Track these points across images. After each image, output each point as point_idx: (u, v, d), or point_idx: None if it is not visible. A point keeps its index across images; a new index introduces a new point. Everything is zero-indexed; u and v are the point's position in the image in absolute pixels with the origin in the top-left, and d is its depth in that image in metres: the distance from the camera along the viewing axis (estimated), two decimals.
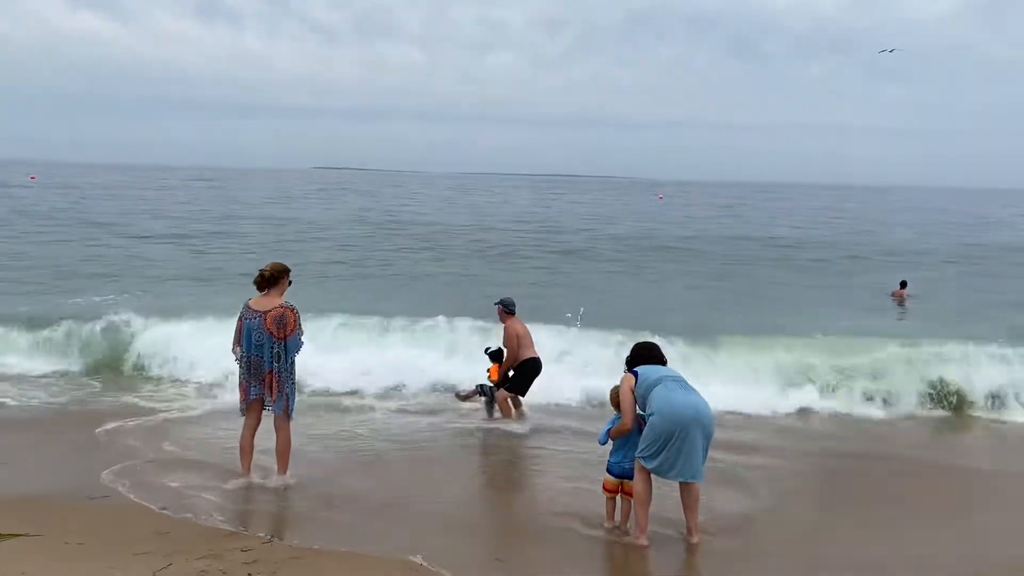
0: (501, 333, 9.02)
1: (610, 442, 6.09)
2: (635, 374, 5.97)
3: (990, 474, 8.01)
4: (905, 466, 8.12)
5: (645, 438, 5.76)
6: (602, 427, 6.25)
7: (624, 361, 6.28)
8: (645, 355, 6.15)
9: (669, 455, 5.64)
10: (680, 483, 5.86)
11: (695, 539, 5.91)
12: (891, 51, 43.21)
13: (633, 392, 5.88)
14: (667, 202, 72.26)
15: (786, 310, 16.36)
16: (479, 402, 9.12)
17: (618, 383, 6.11)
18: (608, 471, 6.15)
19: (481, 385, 9.14)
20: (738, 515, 6.49)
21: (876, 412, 10.01)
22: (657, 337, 8.32)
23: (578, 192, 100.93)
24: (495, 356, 9.01)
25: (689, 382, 5.93)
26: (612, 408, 6.26)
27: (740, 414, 9.47)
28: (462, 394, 9.36)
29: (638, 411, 5.93)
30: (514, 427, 8.68)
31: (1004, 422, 9.89)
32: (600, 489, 6.23)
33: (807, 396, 10.26)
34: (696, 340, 11.21)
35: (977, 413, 10.14)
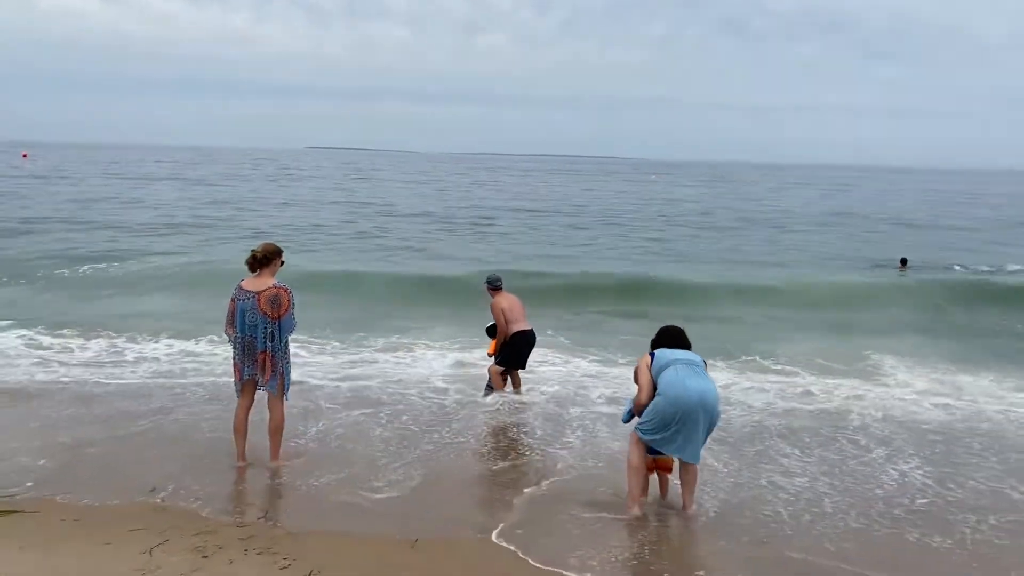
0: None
1: (634, 419, 6.15)
2: (652, 355, 6.11)
3: None
4: None
5: (647, 414, 5.87)
6: (623, 407, 6.35)
7: (649, 342, 6.38)
8: (667, 339, 6.27)
9: (669, 435, 5.77)
10: (680, 460, 5.97)
11: (690, 512, 6.01)
12: None
13: (650, 369, 6.00)
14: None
15: None
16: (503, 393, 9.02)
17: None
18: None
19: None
20: None
21: None
22: None
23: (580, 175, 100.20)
24: (490, 332, 9.14)
25: (704, 367, 6.01)
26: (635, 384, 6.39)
27: None
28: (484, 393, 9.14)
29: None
30: (511, 400, 8.69)
31: None
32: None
33: None
34: None
35: None
